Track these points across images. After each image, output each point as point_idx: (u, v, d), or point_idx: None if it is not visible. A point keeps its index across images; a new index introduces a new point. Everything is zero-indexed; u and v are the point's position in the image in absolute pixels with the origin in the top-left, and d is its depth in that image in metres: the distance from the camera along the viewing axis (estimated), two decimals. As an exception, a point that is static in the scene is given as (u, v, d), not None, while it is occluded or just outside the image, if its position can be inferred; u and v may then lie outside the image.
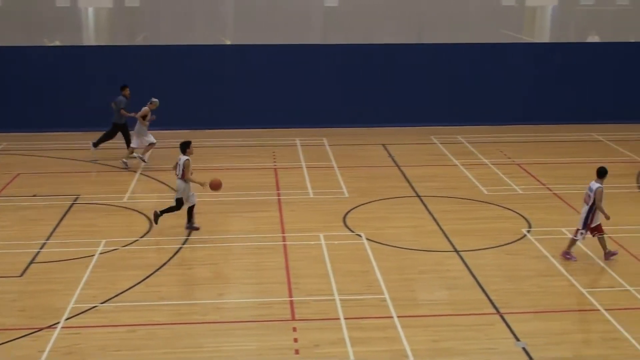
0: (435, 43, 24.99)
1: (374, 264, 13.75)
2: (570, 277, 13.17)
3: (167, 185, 18.01)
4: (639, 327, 11.42)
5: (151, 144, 19.53)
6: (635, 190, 17.92)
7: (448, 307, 12.21)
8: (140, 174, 19.03)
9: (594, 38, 29.78)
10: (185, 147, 15.04)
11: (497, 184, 18.37)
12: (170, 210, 15.17)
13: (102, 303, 12.23)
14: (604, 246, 13.79)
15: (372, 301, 12.35)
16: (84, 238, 14.93)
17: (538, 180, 18.57)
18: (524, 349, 10.88)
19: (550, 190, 17.82)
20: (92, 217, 16.13)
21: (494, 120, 23.99)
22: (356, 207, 16.70)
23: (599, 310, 12.01)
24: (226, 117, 22.29)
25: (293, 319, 11.78)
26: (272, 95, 23.40)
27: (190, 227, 15.32)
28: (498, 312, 12.00)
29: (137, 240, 14.85)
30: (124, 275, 13.22)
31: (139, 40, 27.18)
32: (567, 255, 13.90)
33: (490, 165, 19.82)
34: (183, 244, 14.68)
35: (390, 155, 20.80)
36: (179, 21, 30.55)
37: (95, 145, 20.39)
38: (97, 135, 20.42)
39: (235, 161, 20.24)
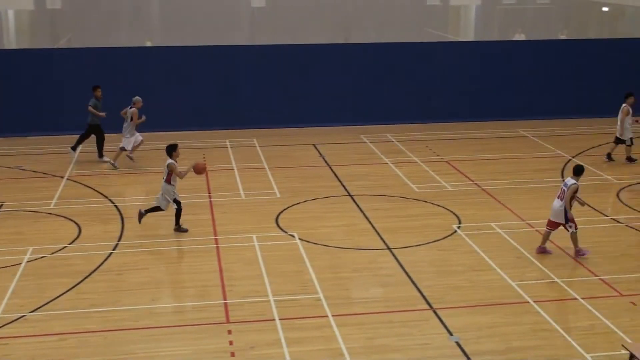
0: (362, 43, 25.21)
1: (308, 263, 13.76)
2: (500, 271, 13.42)
3: (95, 190, 17.70)
4: (567, 318, 11.73)
5: (135, 145, 19.63)
6: (560, 184, 18.33)
7: (382, 305, 12.30)
8: (67, 179, 18.64)
9: (520, 36, 30.49)
10: (171, 150, 14.96)
11: (427, 181, 18.61)
12: (178, 216, 15.16)
13: (30, 312, 11.92)
14: (575, 243, 14.04)
15: (307, 301, 12.36)
16: (10, 246, 14.54)
17: (467, 177, 18.88)
18: (457, 343, 11.04)
19: (479, 186, 18.14)
20: (18, 224, 15.71)
21: (422, 119, 24.30)
22: (288, 207, 16.69)
23: (528, 302, 12.27)
24: (154, 120, 21.96)
25: (228, 321, 11.70)
26: (200, 96, 23.21)
27: (178, 229, 15.25)
28: (431, 307, 12.16)
29: (66, 247, 14.53)
30: (53, 283, 12.92)
31: (63, 43, 26.63)
32: (581, 252, 14.01)
33: (420, 163, 20.06)
34: (113, 249, 14.43)
35: (320, 155, 20.86)
36: (103, 23, 30.03)
37: (74, 148, 20.22)
38: (20, 141, 19.92)
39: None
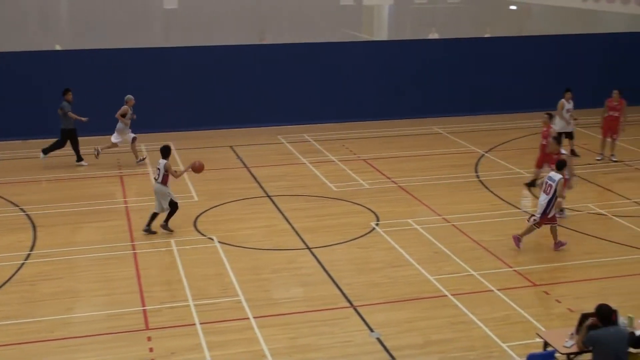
0: (277, 43, 25.19)
1: (228, 266, 13.67)
2: (418, 266, 13.61)
3: (4, 198, 17.17)
4: (483, 309, 11.97)
5: (114, 144, 19.94)
6: (474, 179, 18.75)
7: (303, 304, 12.32)
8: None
9: (434, 35, 30.98)
10: (167, 151, 15.12)
11: (345, 180, 18.74)
12: (170, 216, 15.12)
13: (-61, 328, 11.49)
14: (555, 236, 14.25)
15: (228, 304, 12.28)
16: None
17: (384, 175, 19.08)
18: (378, 339, 11.15)
19: (396, 184, 18.36)
20: None
21: (338, 118, 24.44)
22: (206, 210, 16.54)
23: (446, 295, 12.49)
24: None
25: (147, 328, 11.52)
26: (112, 100, 22.72)
27: (148, 230, 15.16)
28: (352, 305, 12.24)
29: (-25, 258, 14.06)
30: (-37, 297, 12.48)
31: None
32: (561, 244, 14.25)
33: (337, 162, 20.18)
34: (25, 259, 14.02)
35: (238, 156, 20.74)
36: (8, 26, 29.13)
37: (45, 152, 19.82)
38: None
39: (79, 170, 19.55)
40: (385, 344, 11.00)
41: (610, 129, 20.12)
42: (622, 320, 9.49)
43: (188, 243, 14.74)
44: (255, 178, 18.82)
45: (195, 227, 15.61)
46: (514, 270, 13.44)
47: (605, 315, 8.96)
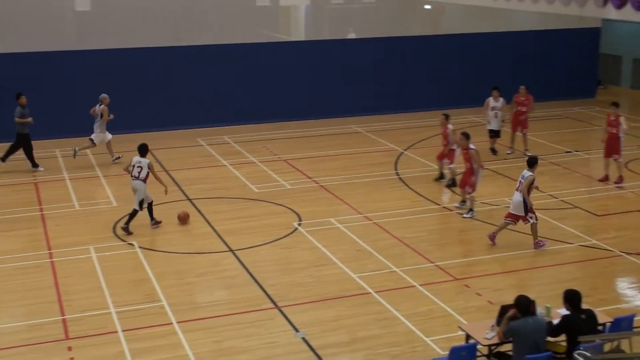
0: (194, 45, 24.90)
1: (150, 271, 13.47)
2: (341, 265, 13.69)
3: None
4: (406, 305, 12.12)
5: (93, 143, 19.99)
6: (394, 177, 18.98)
7: (227, 307, 12.23)
8: None
9: (351, 35, 31.16)
10: (146, 149, 15.51)
11: (266, 181, 18.70)
12: (133, 216, 15.25)
13: None
14: (534, 234, 14.37)
15: (151, 310, 12.09)
16: None
17: (305, 174, 19.12)
18: (303, 339, 11.16)
19: (317, 183, 18.42)
20: None
21: (258, 119, 24.37)
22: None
23: (369, 293, 12.60)
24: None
25: (67, 338, 11.25)
26: (37, 104, 22.08)
27: (155, 224, 15.54)
28: (276, 306, 12.22)
29: None
30: None
31: None
32: (540, 244, 14.33)
33: (258, 163, 20.12)
34: (-63, 271, 13.52)
35: (157, 160, 20.41)
36: None
37: (3, 159, 19.45)
38: None
39: (-9, 178, 18.98)
40: (311, 343, 11.03)
41: (520, 123, 20.69)
42: (540, 310, 9.76)
43: (107, 249, 14.46)
44: (175, 181, 18.59)
45: (114, 233, 15.32)
46: (436, 265, 13.66)
47: (524, 306, 9.21)
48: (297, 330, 11.40)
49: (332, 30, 33.78)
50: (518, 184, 14.33)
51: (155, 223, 15.58)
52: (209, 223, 15.84)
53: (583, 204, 16.87)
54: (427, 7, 38.32)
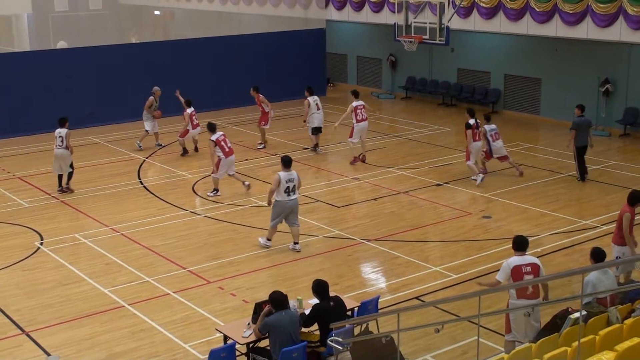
0: None
1: None
2: (91, 281, 13.24)
3: None
4: (162, 314, 12.00)
5: (147, 131, 21.62)
6: (138, 186, 18.67)
7: (-32, 340, 11.37)
8: None
9: (62, 44, 30.03)
10: (65, 120, 17.77)
11: (1, 200, 17.60)
12: (71, 176, 17.93)
13: None
14: None
15: None
16: None
17: (42, 191, 18.23)
18: (57, 362, 10.66)
19: (57, 199, 17.64)
20: None
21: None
22: None
23: (123, 306, 12.31)
24: None
25: None
26: None
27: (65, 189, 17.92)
28: (23, 331, 11.56)
29: None
30: None
31: None
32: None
33: (-10, 183, 18.88)
34: None
35: None
36: None
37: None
38: None
39: None
40: (66, 365, 10.58)
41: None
42: (292, 303, 10.10)
43: None
44: None
45: None
46: (188, 271, 13.64)
47: (277, 301, 9.50)
48: (49, 354, 10.84)
49: (56, 39, 32.47)
50: (494, 133, 18.45)
51: (62, 189, 17.98)
52: (-62, 252, 14.60)
53: (324, 197, 17.70)
54: (157, 12, 38.10)
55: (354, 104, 20.07)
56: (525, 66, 25.65)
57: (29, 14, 34.55)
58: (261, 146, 21.94)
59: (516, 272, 9.79)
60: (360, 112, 19.92)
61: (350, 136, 20.15)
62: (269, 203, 14.48)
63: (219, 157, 17.35)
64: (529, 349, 8.13)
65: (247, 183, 17.86)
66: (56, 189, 17.98)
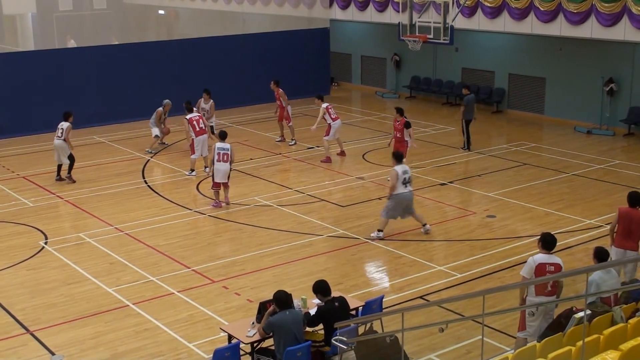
0: None
1: None
2: (95, 280, 13.25)
3: None
4: (166, 313, 12.00)
5: (156, 137, 21.68)
6: (142, 185, 18.69)
7: (-27, 339, 11.39)
8: None
9: (71, 43, 30.09)
10: (69, 114, 18.64)
11: (5, 200, 17.62)
12: (71, 167, 18.55)
13: None
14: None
15: None
16: None
17: (47, 190, 18.25)
18: (62, 360, 10.68)
19: (62, 198, 17.66)
20: None
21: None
22: None
23: (127, 305, 12.32)
24: None
25: None
26: None
27: (63, 178, 18.67)
28: (28, 330, 11.57)
29: None
30: None
31: None
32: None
33: (-6, 182, 18.92)
34: None
35: None
36: None
37: None
38: None
39: None
40: (71, 364, 10.59)
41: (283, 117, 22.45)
42: (297, 302, 10.10)
43: None
44: None
45: None
46: (192, 270, 13.65)
47: (281, 300, 9.48)
48: (53, 354, 10.85)
49: (60, 39, 32.51)
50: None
51: (60, 178, 18.81)
52: (-57, 251, 14.63)
53: (328, 196, 17.70)
54: (161, 12, 38.13)
55: (324, 105, 20.62)
56: (530, 65, 25.63)
57: (33, 14, 34.62)
58: (292, 142, 22.24)
59: (540, 270, 9.84)
60: (333, 111, 20.66)
61: (327, 134, 20.55)
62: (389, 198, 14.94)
63: (192, 137, 18.83)
64: (533, 348, 8.12)
65: (207, 169, 18.83)
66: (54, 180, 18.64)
